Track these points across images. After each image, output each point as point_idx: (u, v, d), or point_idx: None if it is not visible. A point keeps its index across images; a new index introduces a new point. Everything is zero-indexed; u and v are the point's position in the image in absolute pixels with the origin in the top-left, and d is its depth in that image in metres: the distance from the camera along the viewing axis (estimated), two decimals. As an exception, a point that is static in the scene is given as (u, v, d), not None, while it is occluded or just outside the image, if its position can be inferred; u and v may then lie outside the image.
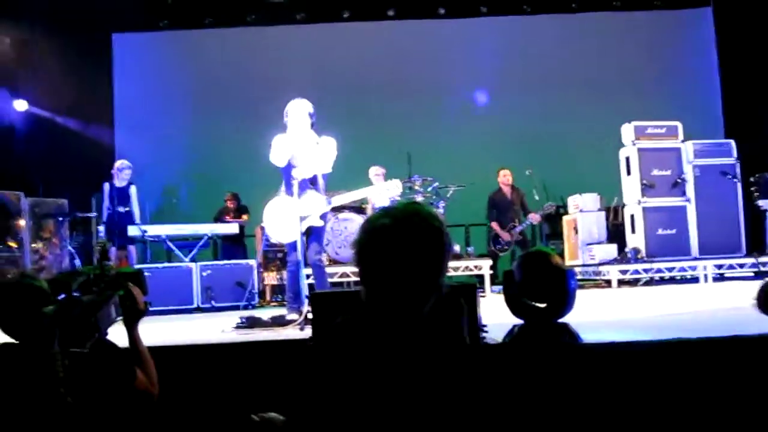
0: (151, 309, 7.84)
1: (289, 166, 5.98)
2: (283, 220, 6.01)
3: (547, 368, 2.96)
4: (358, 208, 9.52)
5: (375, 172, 9.61)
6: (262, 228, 10.06)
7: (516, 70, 12.64)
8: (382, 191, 6.47)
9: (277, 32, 12.80)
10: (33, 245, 9.55)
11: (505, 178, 10.39)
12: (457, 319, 3.51)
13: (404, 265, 1.77)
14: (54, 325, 2.35)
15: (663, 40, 13.06)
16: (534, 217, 10.07)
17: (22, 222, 9.38)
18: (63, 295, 2.45)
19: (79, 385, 2.32)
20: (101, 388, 2.41)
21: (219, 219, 10.76)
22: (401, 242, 1.78)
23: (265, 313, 6.33)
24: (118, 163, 9.86)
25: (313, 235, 6.09)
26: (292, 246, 6.00)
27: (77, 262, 9.90)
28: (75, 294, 2.49)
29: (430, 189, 9.66)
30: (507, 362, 2.92)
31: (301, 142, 6.00)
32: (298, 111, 6.04)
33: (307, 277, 6.22)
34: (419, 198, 9.46)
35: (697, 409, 3.22)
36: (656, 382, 3.32)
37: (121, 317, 2.66)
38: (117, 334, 2.62)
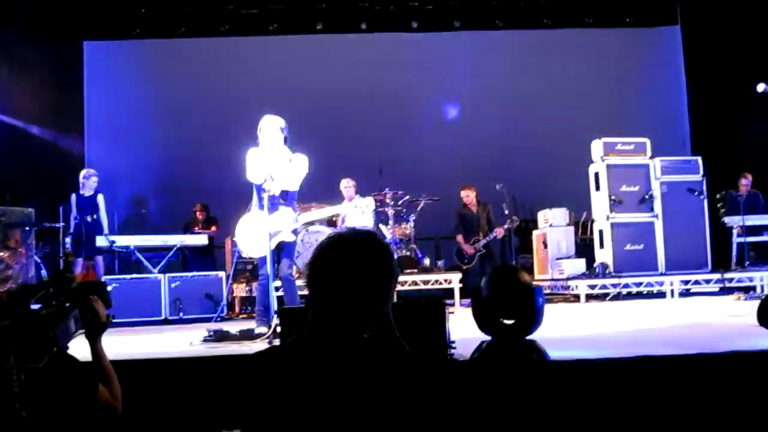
0: (118, 321, 7.77)
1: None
2: (254, 235, 6.01)
3: (514, 385, 2.97)
4: (328, 221, 9.53)
5: (345, 184, 9.62)
6: (233, 240, 10.04)
7: (488, 84, 12.72)
8: (354, 208, 6.44)
9: (251, 43, 12.79)
10: (-2, 254, 9.41)
11: (467, 198, 10.37)
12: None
13: (353, 290, 1.84)
14: (9, 339, 2.31)
15: (633, 58, 13.24)
16: (498, 231, 10.08)
17: (-13, 231, 9.25)
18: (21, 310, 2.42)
19: (35, 401, 2.30)
20: (60, 402, 2.38)
21: (188, 230, 10.70)
22: (352, 268, 1.85)
23: (233, 326, 6.30)
24: (83, 172, 9.77)
25: (284, 250, 6.11)
26: (263, 260, 5.99)
27: (44, 272, 9.77)
28: (33, 307, 2.46)
29: (400, 202, 9.68)
30: (475, 379, 2.93)
31: (273, 158, 6.00)
32: (270, 127, 6.06)
33: (277, 290, 6.21)
34: (390, 211, 9.48)
35: (662, 425, 3.25)
36: (623, 398, 3.35)
37: (81, 331, 2.63)
38: (81, 348, 2.59)
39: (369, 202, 6.28)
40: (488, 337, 3.47)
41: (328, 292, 1.86)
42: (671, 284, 9.22)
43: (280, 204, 5.99)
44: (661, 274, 9.39)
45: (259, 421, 1.80)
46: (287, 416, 1.76)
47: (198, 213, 11.03)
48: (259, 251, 6.03)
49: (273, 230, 5.85)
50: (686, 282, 9.32)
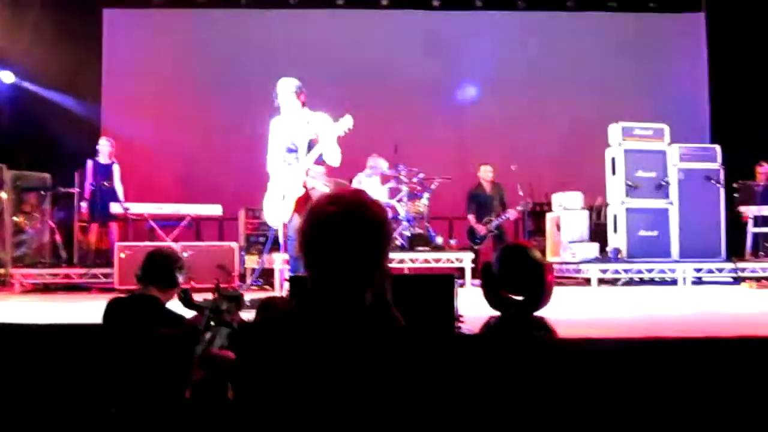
0: (129, 287, 7.82)
1: (283, 146, 6.09)
2: (273, 203, 6.09)
3: (520, 360, 2.97)
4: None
5: (370, 164, 9.71)
6: (247, 210, 10.10)
7: (506, 65, 12.63)
8: (337, 128, 6.22)
9: (270, 16, 12.77)
10: (14, 218, 9.48)
11: (485, 173, 10.42)
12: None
13: (346, 253, 1.81)
14: None
15: (655, 43, 13.10)
16: (511, 213, 10.09)
17: (3, 195, 9.32)
18: None
19: None
20: None
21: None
22: (343, 231, 1.81)
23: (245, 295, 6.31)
24: (101, 139, 9.85)
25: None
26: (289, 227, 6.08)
27: (57, 237, 9.85)
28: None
29: (415, 180, 9.67)
30: (480, 352, 2.94)
31: (291, 123, 6.08)
32: (283, 91, 6.11)
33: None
34: (403, 188, 9.48)
35: (666, 406, 3.25)
36: (629, 379, 3.35)
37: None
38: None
39: (347, 118, 6.12)
40: (497, 313, 3.47)
41: (324, 257, 1.83)
42: (684, 272, 9.16)
43: (290, 163, 6.04)
44: (674, 261, 9.33)
45: (253, 387, 1.80)
46: (278, 384, 1.76)
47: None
48: (278, 219, 6.08)
49: (283, 192, 5.93)
50: (699, 270, 9.24)
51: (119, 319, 3.49)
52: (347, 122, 5.99)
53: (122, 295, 3.71)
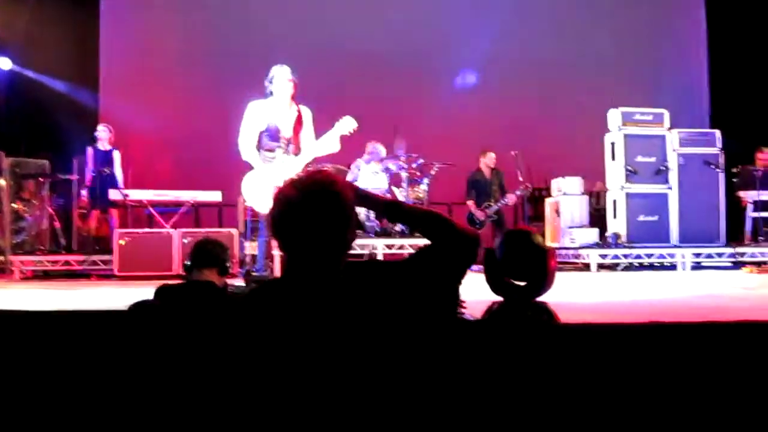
0: (129, 274, 7.84)
1: (266, 133, 6.09)
2: (261, 190, 6.06)
3: (524, 345, 2.98)
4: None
5: (369, 149, 9.69)
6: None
7: (506, 50, 12.58)
8: (340, 129, 6.31)
9: (269, -2, 12.74)
10: (13, 205, 9.47)
11: (489, 160, 10.34)
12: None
13: (313, 232, 1.94)
14: None
15: (654, 27, 13.08)
16: (510, 198, 10.05)
17: (2, 181, 9.30)
18: None
19: None
20: None
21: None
22: (307, 213, 1.94)
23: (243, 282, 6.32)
24: (100, 126, 9.82)
25: None
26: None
27: (56, 223, 9.84)
28: None
29: (414, 165, 9.65)
30: (484, 338, 2.94)
31: (280, 110, 6.08)
32: (283, 77, 6.11)
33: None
34: (403, 174, 9.46)
35: (668, 393, 3.25)
36: (630, 364, 3.35)
37: None
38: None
39: (347, 120, 6.30)
40: (499, 299, 3.47)
41: (294, 238, 1.96)
42: (683, 257, 9.17)
43: (283, 153, 6.05)
44: (674, 246, 9.35)
45: (238, 360, 1.90)
46: (259, 356, 1.87)
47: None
48: (267, 206, 6.09)
49: (276, 183, 5.93)
50: (698, 255, 9.27)
51: (179, 306, 3.41)
52: (351, 124, 6.20)
53: (171, 282, 3.66)
